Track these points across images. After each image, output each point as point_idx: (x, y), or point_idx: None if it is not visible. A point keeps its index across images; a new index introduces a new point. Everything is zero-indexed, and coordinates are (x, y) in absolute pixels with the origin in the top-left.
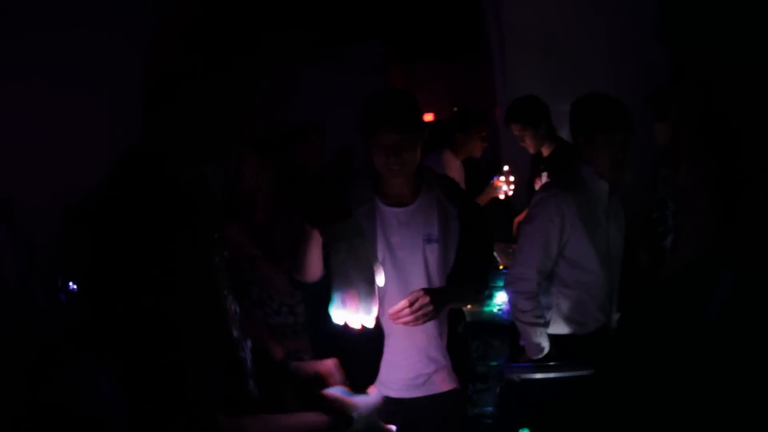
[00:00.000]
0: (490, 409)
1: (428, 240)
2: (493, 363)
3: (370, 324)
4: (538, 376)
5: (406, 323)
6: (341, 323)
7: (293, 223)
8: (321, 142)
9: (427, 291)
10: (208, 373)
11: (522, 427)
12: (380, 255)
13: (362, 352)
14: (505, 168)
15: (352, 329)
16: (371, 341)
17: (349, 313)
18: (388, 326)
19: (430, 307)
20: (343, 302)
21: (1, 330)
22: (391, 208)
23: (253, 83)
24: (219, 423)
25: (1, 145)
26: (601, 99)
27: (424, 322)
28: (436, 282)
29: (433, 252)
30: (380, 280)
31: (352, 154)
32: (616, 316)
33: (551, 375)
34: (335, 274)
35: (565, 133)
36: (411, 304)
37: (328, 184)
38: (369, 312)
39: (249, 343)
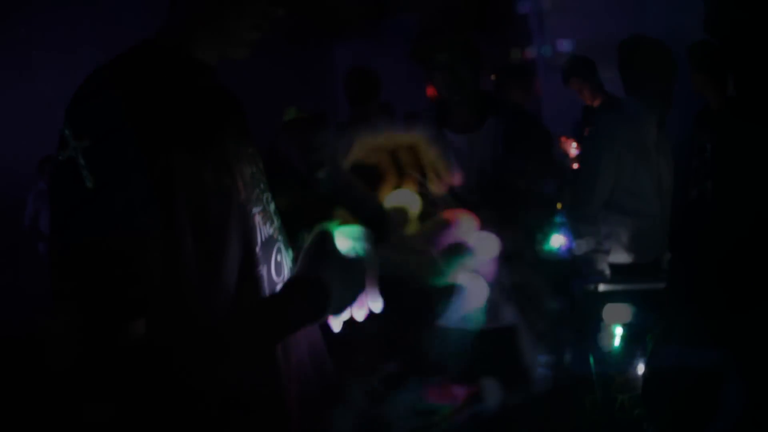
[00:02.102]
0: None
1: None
2: None
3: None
4: (619, 287)
5: None
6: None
7: None
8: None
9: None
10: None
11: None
12: None
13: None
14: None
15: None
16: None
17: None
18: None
19: None
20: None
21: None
22: (456, 135)
23: None
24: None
25: (44, 104)
26: (639, 35)
27: None
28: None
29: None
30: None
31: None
32: (667, 256)
33: (629, 287)
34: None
35: None
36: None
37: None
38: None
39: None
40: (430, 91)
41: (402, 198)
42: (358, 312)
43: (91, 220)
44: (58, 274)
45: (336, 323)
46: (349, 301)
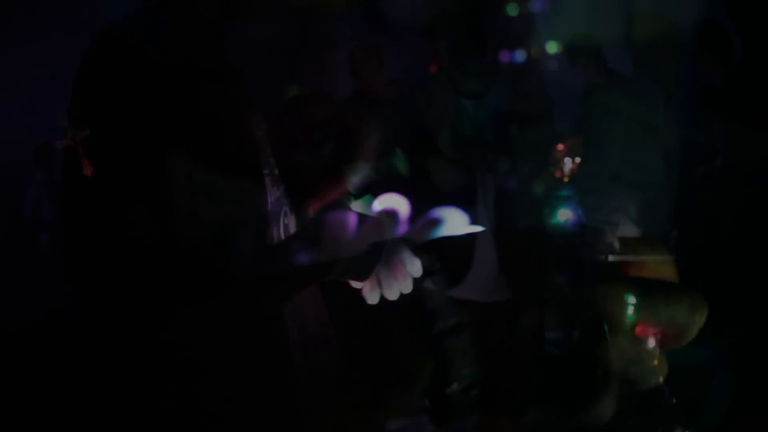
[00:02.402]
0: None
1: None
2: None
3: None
4: (628, 259)
5: None
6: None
7: None
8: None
9: None
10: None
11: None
12: None
13: (454, 250)
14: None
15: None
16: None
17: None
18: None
19: None
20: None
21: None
22: (468, 101)
23: None
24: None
25: (41, 93)
26: (647, 12)
27: None
28: None
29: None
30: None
31: None
32: (674, 233)
33: (638, 259)
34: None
35: None
36: None
37: None
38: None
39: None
40: (434, 69)
41: (390, 201)
42: (404, 283)
43: (94, 207)
44: (71, 256)
45: (372, 295)
46: (373, 260)
